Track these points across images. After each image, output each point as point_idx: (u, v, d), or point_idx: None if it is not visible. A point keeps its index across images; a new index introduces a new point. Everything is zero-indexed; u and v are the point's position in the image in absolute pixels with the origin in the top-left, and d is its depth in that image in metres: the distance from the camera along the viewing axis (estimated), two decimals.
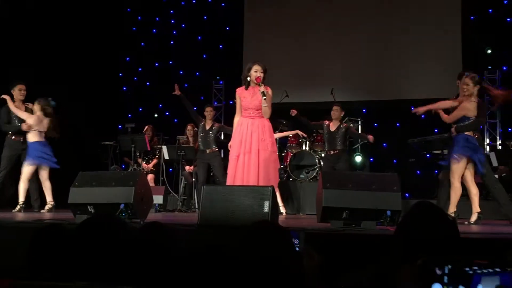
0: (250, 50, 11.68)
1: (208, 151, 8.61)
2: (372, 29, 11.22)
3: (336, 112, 8.68)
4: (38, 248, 2.46)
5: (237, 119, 5.93)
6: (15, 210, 7.39)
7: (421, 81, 10.76)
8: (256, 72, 5.75)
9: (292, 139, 9.65)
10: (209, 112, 8.76)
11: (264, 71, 5.78)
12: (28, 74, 8.45)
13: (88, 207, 5.21)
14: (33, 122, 7.55)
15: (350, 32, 11.38)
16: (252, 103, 5.77)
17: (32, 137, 7.57)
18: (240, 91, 5.89)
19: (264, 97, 5.65)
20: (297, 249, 2.56)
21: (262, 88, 5.67)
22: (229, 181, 5.75)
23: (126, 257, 2.29)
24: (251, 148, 5.66)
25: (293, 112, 8.78)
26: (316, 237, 4.03)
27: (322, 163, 9.05)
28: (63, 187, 5.80)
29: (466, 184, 6.07)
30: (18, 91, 7.73)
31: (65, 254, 2.38)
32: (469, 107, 5.98)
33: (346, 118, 9.75)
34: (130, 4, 12.58)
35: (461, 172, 5.97)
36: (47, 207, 7.58)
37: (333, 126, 8.67)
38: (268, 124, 5.84)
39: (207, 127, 8.70)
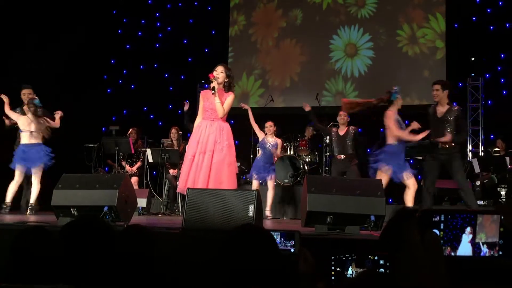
0: (236, 54, 11.68)
1: None
2: (358, 35, 11.29)
3: (343, 117, 8.52)
4: (20, 251, 2.44)
5: (198, 121, 5.95)
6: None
7: (405, 88, 10.81)
8: (216, 71, 5.81)
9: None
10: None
11: (227, 76, 5.82)
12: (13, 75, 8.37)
13: (72, 209, 5.18)
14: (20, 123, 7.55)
15: (336, 37, 11.45)
16: (212, 104, 5.80)
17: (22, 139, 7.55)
18: (204, 93, 5.94)
19: (213, 92, 5.69)
20: (292, 250, 2.56)
21: (213, 84, 5.72)
22: (182, 180, 5.74)
23: (110, 259, 2.28)
24: (206, 149, 5.67)
25: (306, 107, 8.63)
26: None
27: (306, 168, 9.02)
28: (46, 189, 5.75)
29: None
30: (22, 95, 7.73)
31: (48, 257, 2.36)
32: None
33: (331, 123, 9.78)
34: (116, 6, 12.53)
35: None
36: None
37: (341, 131, 8.53)
38: (227, 127, 5.84)
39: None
